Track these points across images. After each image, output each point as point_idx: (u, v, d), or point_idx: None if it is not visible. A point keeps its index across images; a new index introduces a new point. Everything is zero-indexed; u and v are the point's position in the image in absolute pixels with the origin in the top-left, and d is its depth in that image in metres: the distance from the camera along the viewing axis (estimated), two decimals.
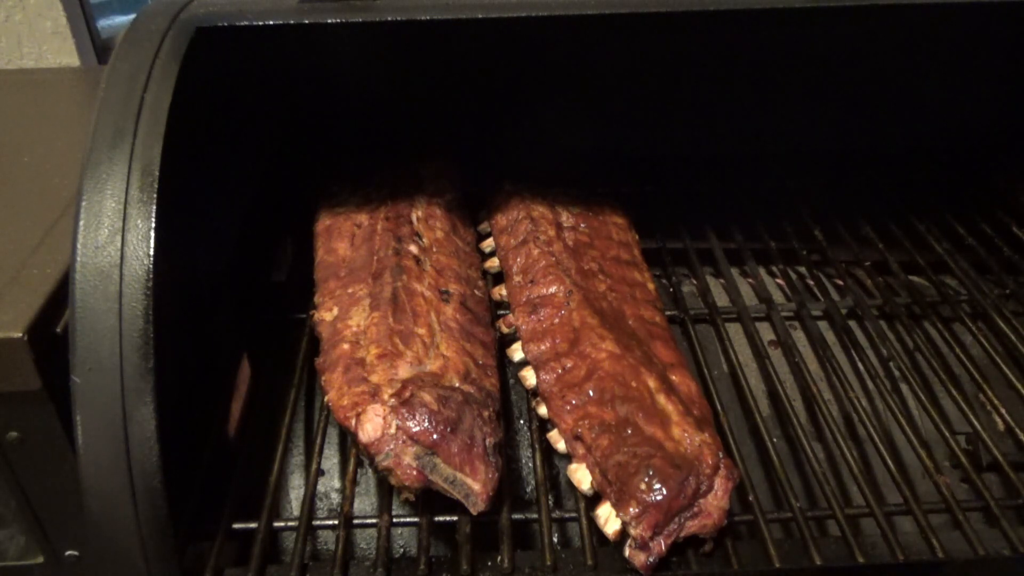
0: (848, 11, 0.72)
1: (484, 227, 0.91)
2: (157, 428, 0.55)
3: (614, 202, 0.91)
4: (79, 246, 0.56)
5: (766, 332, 0.85)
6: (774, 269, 0.96)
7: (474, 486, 0.58)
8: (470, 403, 0.62)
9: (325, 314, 0.72)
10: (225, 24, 0.66)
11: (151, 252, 0.56)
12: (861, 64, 0.88)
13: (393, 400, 0.60)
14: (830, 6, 0.71)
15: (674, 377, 0.69)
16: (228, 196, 0.85)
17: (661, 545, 0.57)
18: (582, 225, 0.86)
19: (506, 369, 0.78)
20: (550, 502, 0.63)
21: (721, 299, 0.87)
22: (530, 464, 0.73)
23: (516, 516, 0.62)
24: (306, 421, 0.81)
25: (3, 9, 2.06)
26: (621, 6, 0.68)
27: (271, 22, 0.66)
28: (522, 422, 0.79)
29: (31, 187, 0.80)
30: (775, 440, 0.70)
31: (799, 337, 0.85)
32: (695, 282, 0.92)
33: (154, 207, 0.57)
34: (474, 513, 0.59)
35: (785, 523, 0.67)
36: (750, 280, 0.94)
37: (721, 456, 0.61)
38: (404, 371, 0.64)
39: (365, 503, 0.77)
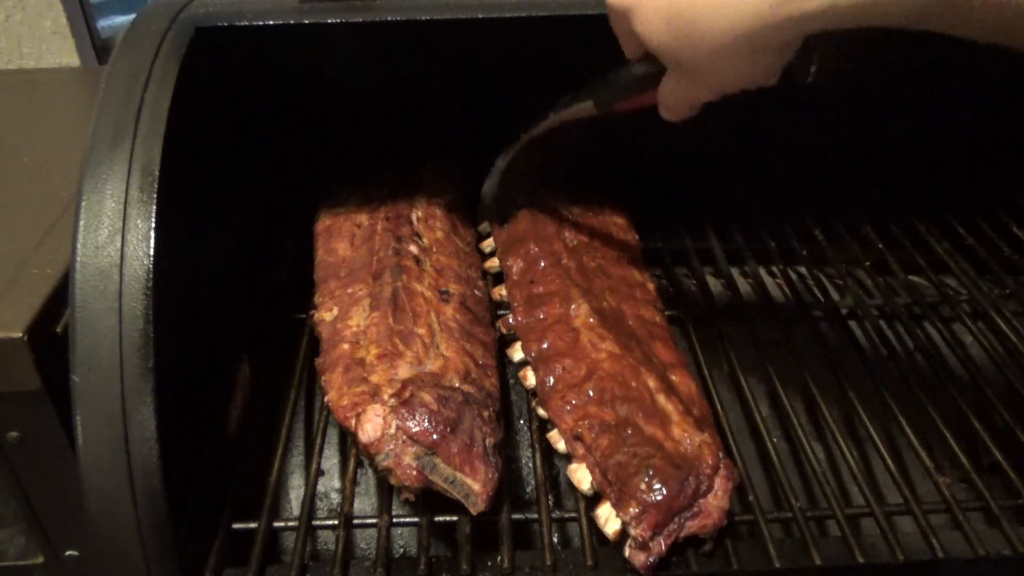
0: None
1: (484, 227, 0.91)
2: (157, 428, 0.55)
3: (614, 202, 0.91)
4: (79, 246, 0.56)
5: (766, 332, 0.85)
6: (774, 269, 0.96)
7: (474, 486, 0.58)
8: (470, 403, 0.62)
9: (325, 314, 0.72)
10: (225, 24, 0.66)
11: (151, 252, 0.56)
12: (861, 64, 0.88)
13: (393, 400, 0.60)
14: None
15: (674, 377, 0.69)
16: (228, 196, 0.85)
17: (661, 545, 0.57)
18: (582, 225, 0.86)
19: (506, 369, 0.78)
20: (550, 502, 0.63)
21: (721, 299, 0.87)
22: (530, 464, 0.73)
23: (516, 516, 0.62)
24: (306, 421, 0.81)
25: (3, 9, 2.06)
26: None
27: (271, 22, 0.66)
28: (522, 422, 0.79)
29: (31, 187, 0.80)
30: (775, 440, 0.69)
31: (799, 337, 0.85)
32: (695, 282, 0.91)
33: (154, 207, 0.57)
34: (474, 513, 0.59)
35: (785, 523, 0.66)
36: (750, 280, 0.94)
37: (721, 456, 0.61)
38: (404, 371, 0.64)
39: (365, 503, 0.77)
